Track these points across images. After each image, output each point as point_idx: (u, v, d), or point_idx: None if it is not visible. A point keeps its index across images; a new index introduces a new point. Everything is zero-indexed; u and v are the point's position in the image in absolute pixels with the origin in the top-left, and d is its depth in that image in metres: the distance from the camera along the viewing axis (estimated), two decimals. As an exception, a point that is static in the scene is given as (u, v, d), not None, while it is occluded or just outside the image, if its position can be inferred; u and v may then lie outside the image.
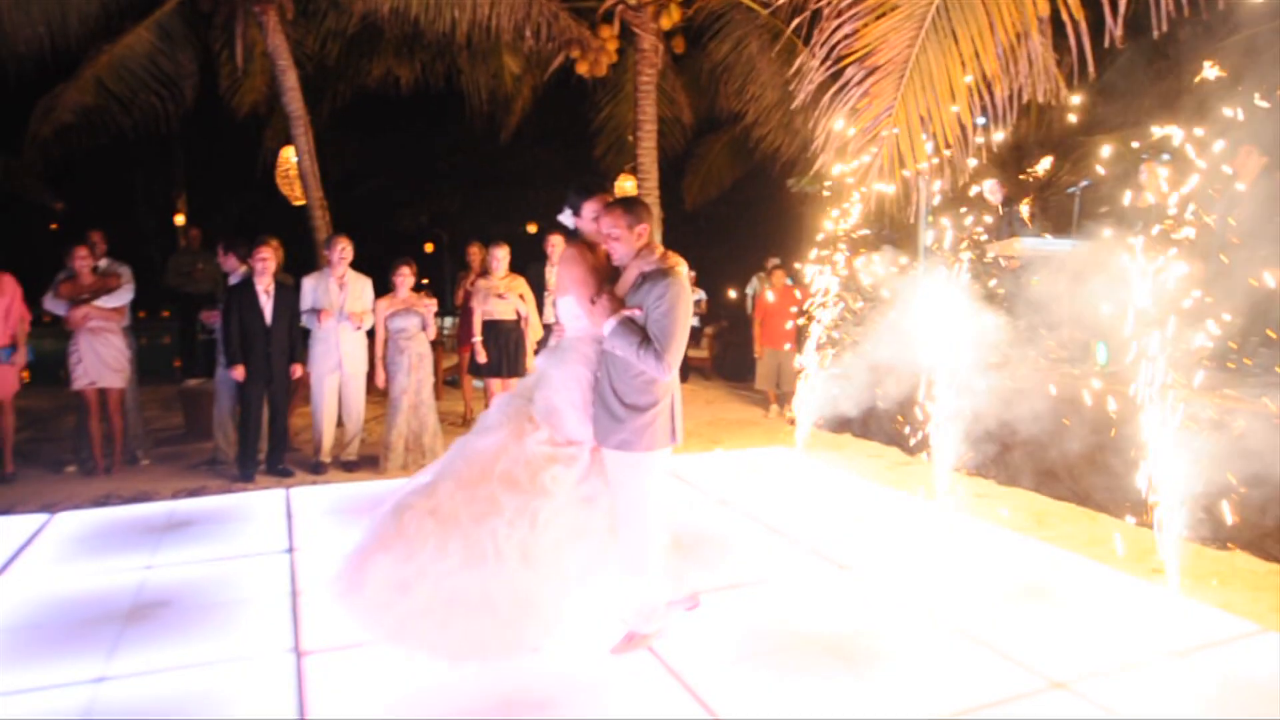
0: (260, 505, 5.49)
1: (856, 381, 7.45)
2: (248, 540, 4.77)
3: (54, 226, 26.62)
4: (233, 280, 6.46)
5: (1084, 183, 6.94)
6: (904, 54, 4.11)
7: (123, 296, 6.56)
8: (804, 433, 7.72)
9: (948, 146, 4.36)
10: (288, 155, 9.81)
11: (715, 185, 14.02)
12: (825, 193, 10.31)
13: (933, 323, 6.50)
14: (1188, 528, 4.86)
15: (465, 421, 8.39)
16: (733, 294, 13.54)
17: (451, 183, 22.55)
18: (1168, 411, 4.58)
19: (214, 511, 5.37)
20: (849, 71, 4.22)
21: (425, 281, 10.85)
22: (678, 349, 3.16)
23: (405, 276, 6.78)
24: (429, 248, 25.47)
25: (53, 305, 6.44)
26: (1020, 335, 6.64)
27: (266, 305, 6.22)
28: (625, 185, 12.61)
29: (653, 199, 10.04)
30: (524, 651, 3.23)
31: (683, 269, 3.27)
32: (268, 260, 6.20)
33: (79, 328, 6.40)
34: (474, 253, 8.25)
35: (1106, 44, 3.95)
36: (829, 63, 4.25)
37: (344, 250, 6.64)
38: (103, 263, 6.72)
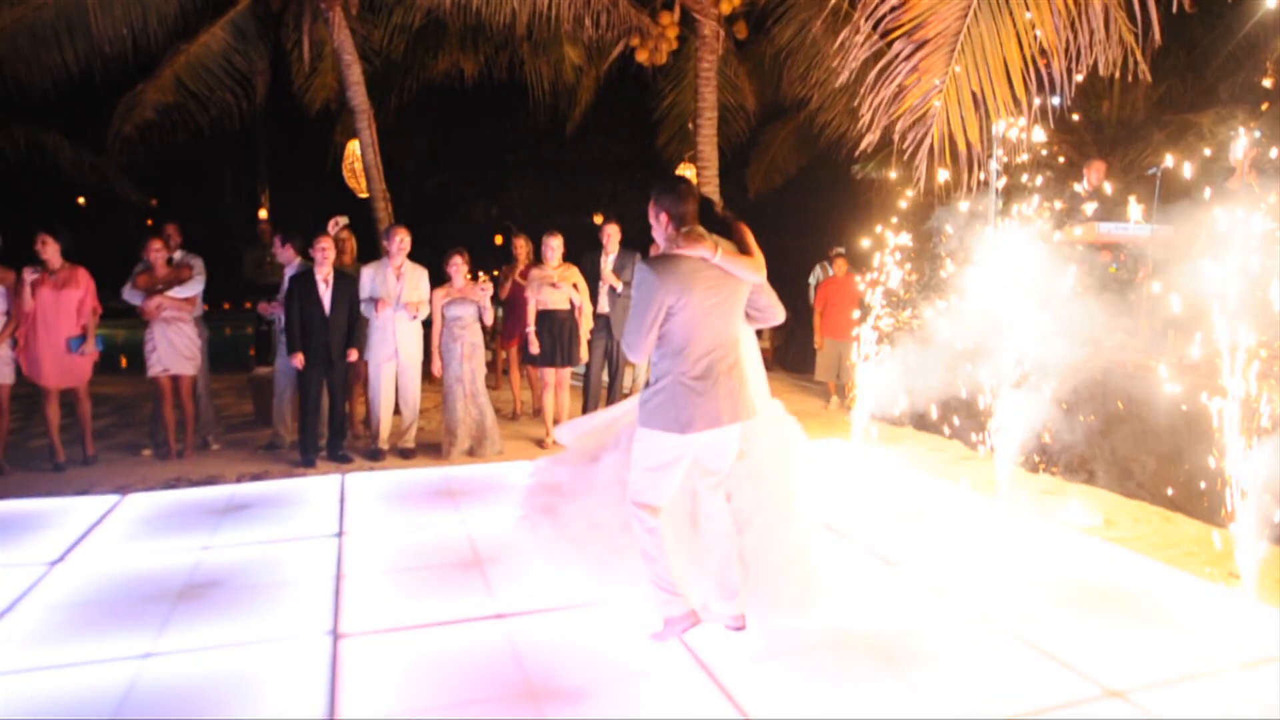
0: (316, 490, 5.64)
1: (916, 371, 7.21)
2: (300, 524, 4.90)
3: (149, 222, 28.07)
4: (289, 271, 6.63)
5: (1164, 164, 6.53)
6: (955, 26, 3.89)
7: (194, 287, 6.81)
8: (862, 424, 7.51)
9: (1017, 118, 4.13)
10: (353, 149, 10.05)
11: (780, 173, 13.77)
12: (892, 174, 9.99)
13: (999, 310, 6.24)
14: (1270, 532, 4.53)
15: (515, 416, 8.37)
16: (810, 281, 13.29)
17: (518, 175, 22.83)
18: (1251, 406, 4.27)
19: (272, 495, 5.54)
20: (897, 45, 4.03)
21: (496, 274, 10.92)
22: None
23: (458, 266, 6.85)
24: (499, 240, 25.89)
25: (130, 296, 6.73)
26: (1096, 324, 6.31)
27: (325, 294, 6.37)
28: (685, 174, 12.52)
29: (711, 188, 9.91)
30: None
31: (700, 253, 3.17)
32: (326, 250, 6.35)
33: (154, 317, 6.68)
34: (520, 245, 8.22)
35: (1175, 8, 3.67)
36: (875, 37, 4.07)
37: (402, 241, 6.75)
38: (177, 254, 6.99)
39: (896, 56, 3.97)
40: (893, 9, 3.97)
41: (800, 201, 15.37)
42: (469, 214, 25.70)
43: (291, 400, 6.81)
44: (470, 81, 11.53)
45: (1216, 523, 4.87)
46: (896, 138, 4.30)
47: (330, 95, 11.09)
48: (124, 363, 11.55)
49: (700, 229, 3.23)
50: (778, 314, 3.46)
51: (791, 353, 11.84)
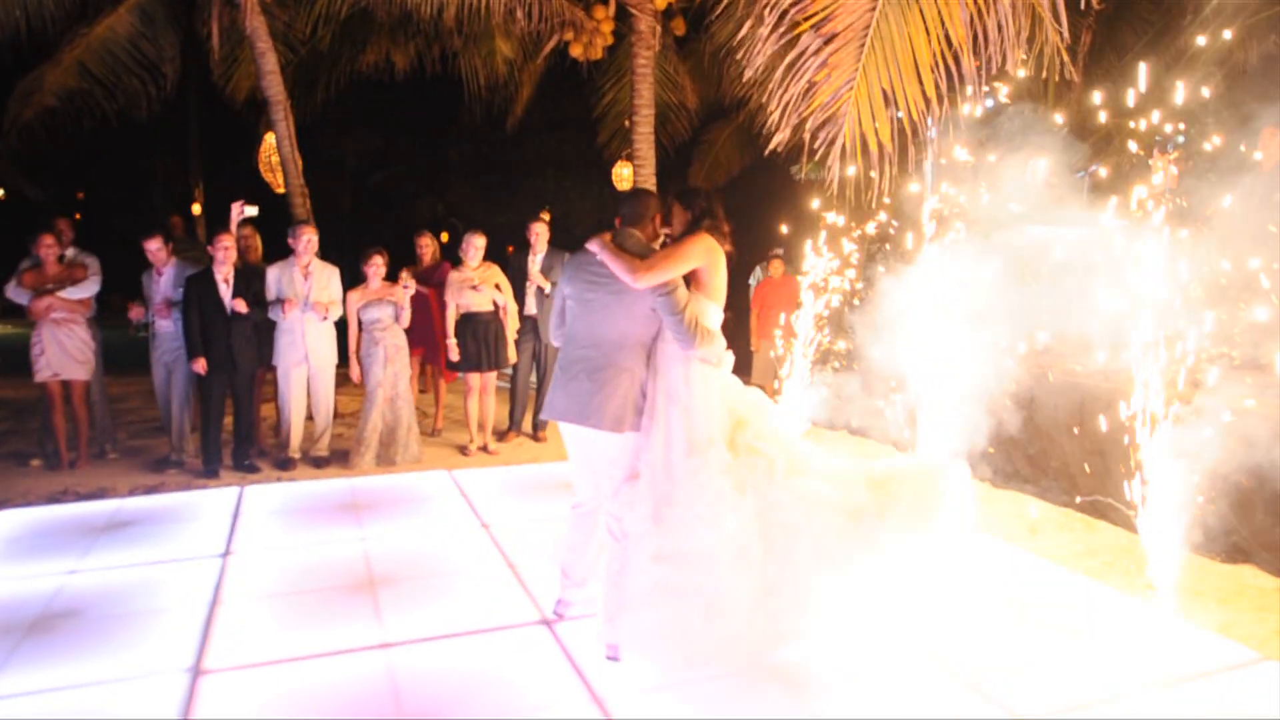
0: (209, 504, 5.28)
1: (849, 375, 7.10)
2: (185, 543, 4.55)
3: (78, 216, 26.92)
4: (166, 270, 6.29)
5: (1093, 167, 6.51)
6: (864, 20, 3.73)
7: (88, 288, 6.37)
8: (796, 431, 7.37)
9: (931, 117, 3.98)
10: (270, 142, 9.61)
11: (723, 173, 13.63)
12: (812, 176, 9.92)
13: (926, 312, 6.14)
14: (1190, 539, 4.48)
15: (435, 432, 7.69)
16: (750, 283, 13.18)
17: (463, 171, 22.41)
18: (1166, 409, 4.20)
19: (161, 511, 5.17)
20: (805, 39, 3.86)
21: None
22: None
23: (377, 266, 6.54)
24: (445, 237, 25.41)
25: (15, 294, 6.27)
26: (1016, 326, 6.25)
27: (226, 295, 6.00)
28: (623, 173, 12.31)
29: (649, 186, 9.70)
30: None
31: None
32: (229, 249, 5.99)
33: (43, 318, 6.23)
34: (424, 244, 7.63)
35: (1084, 5, 3.57)
36: (782, 30, 3.89)
37: (309, 240, 6.40)
38: (69, 252, 6.54)
39: (805, 51, 3.81)
40: (797, 1, 3.80)
41: (745, 202, 15.27)
42: (415, 210, 25.15)
43: (185, 410, 6.38)
44: (402, 75, 11.13)
45: (1135, 530, 4.82)
46: (808, 136, 4.13)
47: (254, 85, 10.59)
48: None
49: (631, 230, 3.20)
50: (679, 332, 3.05)
51: (735, 356, 11.68)
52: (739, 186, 14.31)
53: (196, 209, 18.24)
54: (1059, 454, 5.61)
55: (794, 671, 3.16)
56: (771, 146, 4.22)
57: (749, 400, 3.24)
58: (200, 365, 5.96)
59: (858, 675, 3.14)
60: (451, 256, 7.08)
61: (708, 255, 3.09)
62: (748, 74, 4.15)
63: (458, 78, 11.60)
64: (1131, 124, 6.88)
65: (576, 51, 9.45)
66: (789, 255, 9.45)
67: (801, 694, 3.02)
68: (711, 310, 3.12)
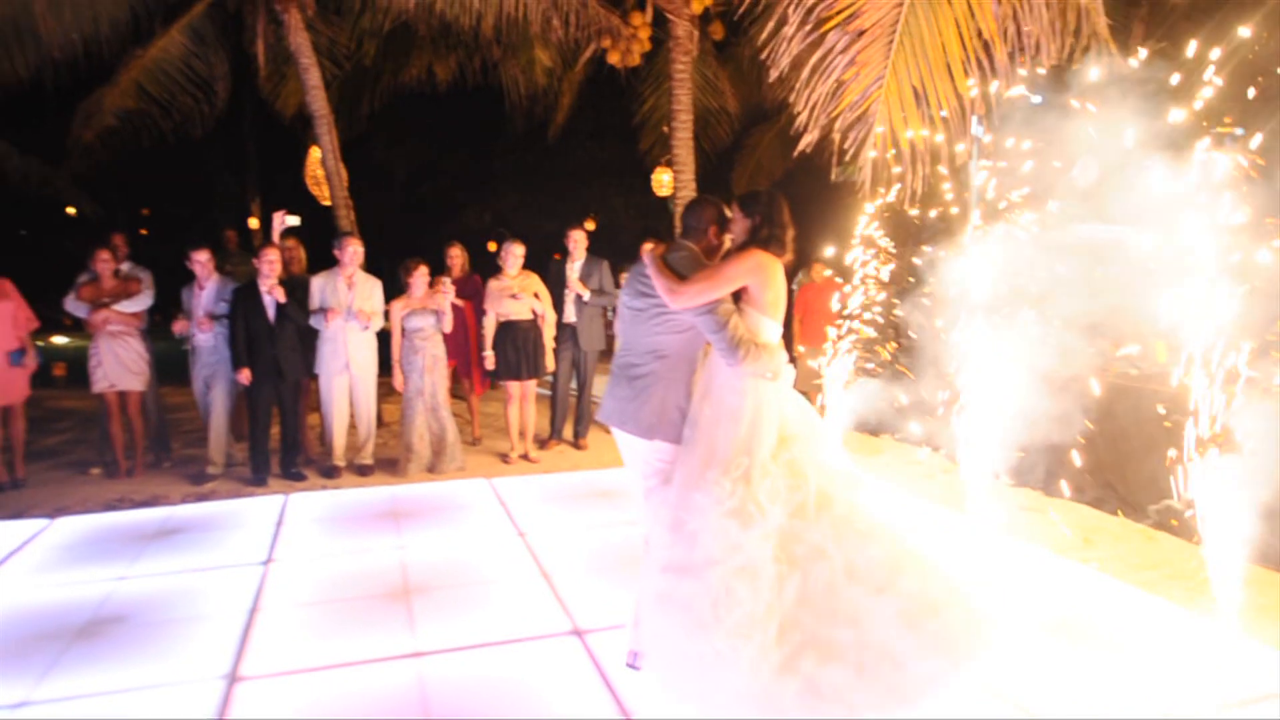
0: (256, 512, 5.37)
1: (894, 380, 6.95)
2: (230, 550, 4.64)
3: (144, 232, 27.86)
4: (209, 284, 6.43)
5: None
6: (892, 15, 3.62)
7: (142, 302, 6.57)
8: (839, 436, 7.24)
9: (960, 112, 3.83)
10: (315, 155, 9.81)
11: (766, 177, 13.49)
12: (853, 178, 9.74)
13: (977, 316, 5.97)
14: (1256, 550, 4.26)
15: (475, 441, 7.62)
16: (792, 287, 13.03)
17: (508, 182, 22.65)
18: (1226, 416, 4.00)
19: (209, 518, 5.28)
20: (831, 37, 3.77)
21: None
22: None
23: (422, 275, 6.61)
24: (492, 246, 25.68)
25: (74, 307, 6.49)
26: (1073, 332, 6.04)
27: (270, 306, 6.13)
28: (663, 179, 12.28)
29: (688, 192, 9.65)
30: None
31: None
32: (273, 263, 6.12)
33: (99, 331, 6.44)
34: (454, 256, 7.58)
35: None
36: (808, 28, 3.81)
37: (354, 251, 6.51)
38: (125, 266, 6.75)
39: (832, 50, 3.71)
40: (823, -2, 3.71)
41: (790, 206, 15.10)
42: (464, 220, 25.48)
43: (224, 422, 6.50)
44: (448, 86, 11.28)
45: (1196, 541, 4.60)
46: (838, 137, 4.04)
47: (301, 100, 10.84)
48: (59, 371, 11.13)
49: (684, 241, 3.21)
50: (721, 348, 2.96)
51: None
52: (783, 191, 14.15)
53: (254, 223, 18.71)
54: (1115, 460, 5.39)
55: (820, 686, 3.06)
56: (800, 147, 4.13)
57: (806, 421, 3.08)
58: (245, 376, 6.09)
59: (892, 688, 3.04)
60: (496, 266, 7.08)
61: (755, 273, 2.96)
62: (774, 74, 4.07)
63: (502, 89, 11.74)
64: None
65: (614, 59, 9.45)
66: (837, 258, 9.29)
67: (829, 708, 2.93)
68: (765, 325, 3.01)
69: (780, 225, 3.03)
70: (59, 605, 3.91)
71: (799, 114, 4.06)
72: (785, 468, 2.92)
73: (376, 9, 9.14)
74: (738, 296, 3.01)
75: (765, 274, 2.95)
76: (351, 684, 3.15)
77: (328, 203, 8.67)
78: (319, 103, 8.15)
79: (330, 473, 6.55)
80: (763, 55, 4.12)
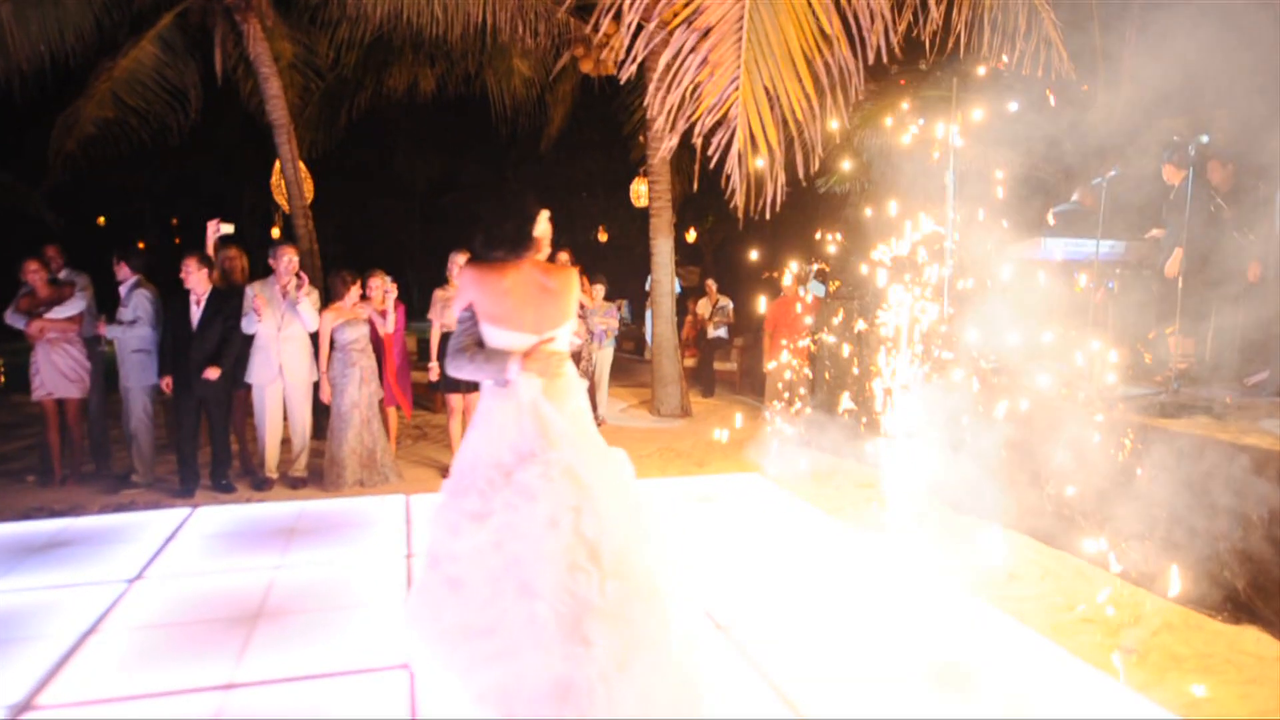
0: (156, 526, 5.25)
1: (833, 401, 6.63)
2: (104, 566, 4.51)
3: (177, 241, 28.38)
4: (122, 290, 6.39)
5: (1111, 172, 5.89)
6: (735, 11, 3.36)
7: (74, 306, 6.55)
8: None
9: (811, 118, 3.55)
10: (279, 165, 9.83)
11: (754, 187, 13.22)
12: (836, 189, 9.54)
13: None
14: (1191, 592, 3.91)
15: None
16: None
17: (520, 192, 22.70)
18: (1143, 443, 3.66)
19: (107, 531, 5.17)
20: (678, 36, 3.52)
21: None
22: None
23: (350, 287, 6.52)
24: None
25: (12, 319, 6.49)
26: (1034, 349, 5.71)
27: (195, 314, 6.06)
28: (640, 189, 12.10)
29: (663, 202, 9.46)
30: None
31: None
32: (192, 272, 6.06)
33: (37, 340, 6.44)
34: (458, 262, 7.54)
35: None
36: (652, 28, 3.57)
37: (289, 260, 6.42)
38: (63, 273, 6.77)
39: (681, 49, 3.47)
40: (657, -8, 3.47)
41: (775, 215, 14.79)
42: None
43: (140, 426, 6.43)
44: (426, 97, 11.26)
45: (1137, 582, 4.25)
46: (699, 141, 3.79)
47: (292, 111, 10.90)
48: None
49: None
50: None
51: (760, 376, 11.26)
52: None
53: (275, 233, 18.96)
54: (1055, 490, 5.03)
55: None
56: (660, 155, 3.90)
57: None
58: (166, 383, 6.06)
59: None
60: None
61: (469, 289, 2.80)
62: (624, 76, 3.85)
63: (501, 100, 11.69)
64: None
65: (587, 67, 9.32)
66: (833, 271, 9.02)
67: None
68: (492, 334, 2.79)
69: (494, 235, 2.80)
70: None
71: (653, 118, 3.82)
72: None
73: (356, 19, 9.15)
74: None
75: (480, 288, 2.75)
76: (139, 717, 2.97)
77: (289, 211, 8.65)
78: (278, 112, 8.13)
79: (261, 485, 6.45)
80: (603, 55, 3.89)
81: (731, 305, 11.43)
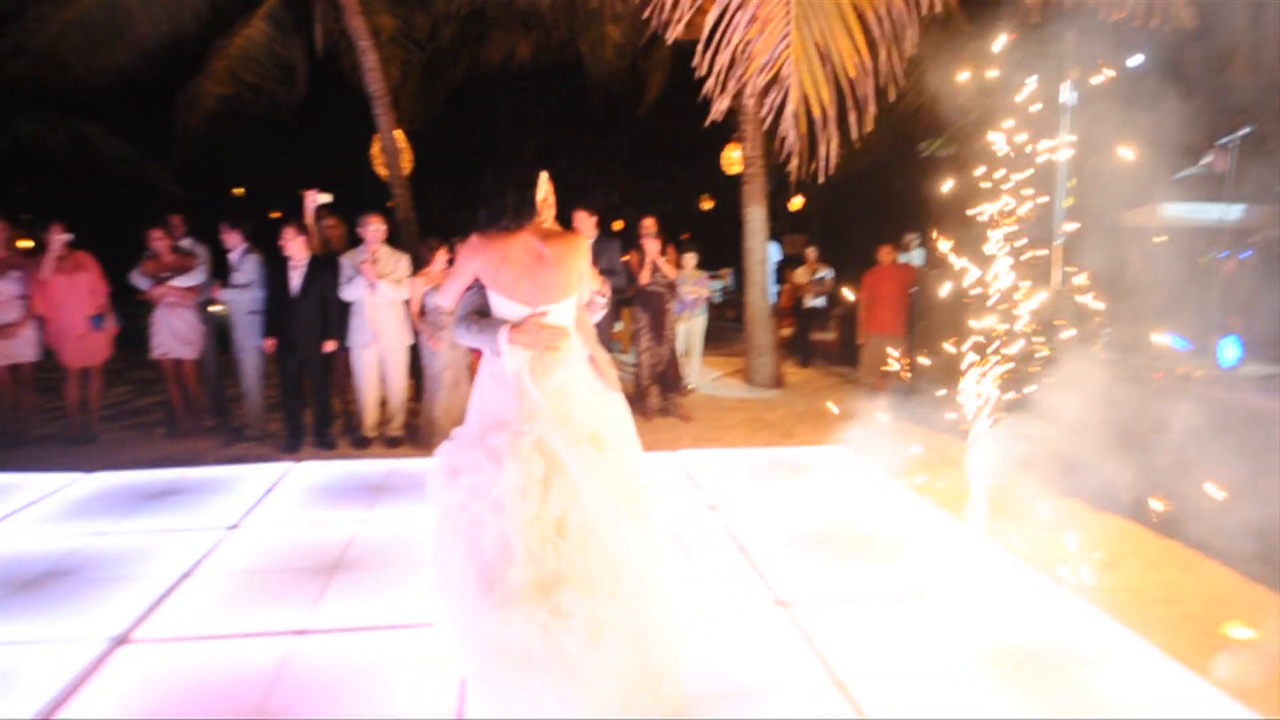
0: (257, 478, 5.57)
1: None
2: (207, 514, 4.84)
3: (277, 215, 29.73)
4: (233, 256, 6.74)
5: (1245, 129, 5.33)
6: None
7: (195, 277, 7.00)
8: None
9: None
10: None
11: (857, 153, 12.70)
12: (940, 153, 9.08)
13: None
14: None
15: None
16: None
17: (626, 161, 22.78)
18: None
19: (215, 482, 5.52)
20: None
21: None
22: None
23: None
24: (618, 225, 25.89)
25: (136, 280, 7.00)
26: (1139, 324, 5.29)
27: (294, 280, 6.36)
28: (733, 155, 11.83)
29: (755, 169, 9.25)
30: None
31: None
32: (290, 240, 6.34)
33: (158, 302, 6.93)
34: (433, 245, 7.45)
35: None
36: None
37: (376, 229, 6.63)
38: (185, 243, 7.23)
39: (728, 7, 3.30)
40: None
41: (879, 182, 14.20)
42: (592, 200, 25.83)
43: (255, 385, 6.86)
44: (525, 66, 11.33)
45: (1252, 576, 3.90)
46: (751, 102, 3.60)
47: (394, 83, 11.21)
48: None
49: None
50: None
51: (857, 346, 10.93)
52: (874, 166, 13.31)
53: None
54: (1167, 474, 4.66)
55: None
56: (710, 119, 3.75)
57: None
58: (269, 345, 6.42)
59: None
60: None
61: (471, 257, 2.78)
62: (670, 37, 3.69)
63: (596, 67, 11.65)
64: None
65: (678, 31, 9.12)
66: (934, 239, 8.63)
67: None
68: (499, 303, 2.80)
69: (496, 206, 2.74)
70: (21, 556, 4.20)
71: (707, 80, 3.67)
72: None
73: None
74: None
75: (482, 256, 2.73)
76: (218, 655, 3.18)
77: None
78: (376, 84, 8.37)
79: (361, 443, 6.76)
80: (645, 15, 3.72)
81: (832, 274, 11.08)
